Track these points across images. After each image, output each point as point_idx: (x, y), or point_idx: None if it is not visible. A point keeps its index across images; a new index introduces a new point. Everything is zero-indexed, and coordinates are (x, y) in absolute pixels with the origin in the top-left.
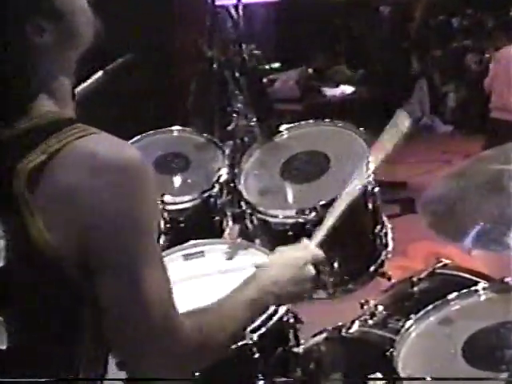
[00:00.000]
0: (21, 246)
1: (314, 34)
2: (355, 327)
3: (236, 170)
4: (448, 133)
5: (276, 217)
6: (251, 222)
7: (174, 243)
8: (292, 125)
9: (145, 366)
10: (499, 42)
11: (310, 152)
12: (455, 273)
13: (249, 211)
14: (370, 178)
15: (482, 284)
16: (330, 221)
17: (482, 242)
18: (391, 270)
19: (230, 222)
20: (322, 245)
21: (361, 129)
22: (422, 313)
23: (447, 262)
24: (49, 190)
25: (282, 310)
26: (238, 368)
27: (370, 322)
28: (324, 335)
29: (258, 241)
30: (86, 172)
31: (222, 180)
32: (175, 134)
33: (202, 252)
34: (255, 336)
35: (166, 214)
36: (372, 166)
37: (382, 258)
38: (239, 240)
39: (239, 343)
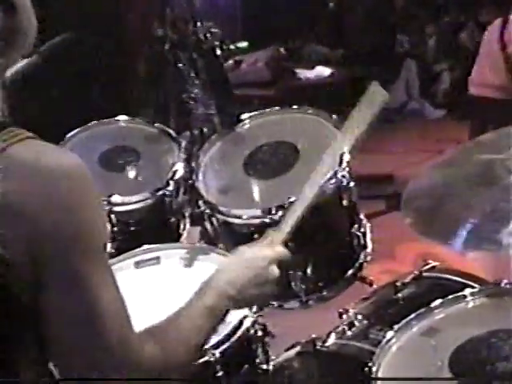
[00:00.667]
0: None
1: (286, 9)
2: (332, 340)
3: (193, 165)
4: (440, 118)
5: (239, 217)
6: (211, 223)
7: (124, 249)
8: (256, 112)
9: None
10: (493, 17)
11: (276, 143)
12: (445, 276)
13: (208, 211)
14: (345, 172)
15: (470, 289)
16: (296, 212)
17: (472, 241)
18: (377, 275)
19: (188, 224)
20: (291, 246)
21: (334, 116)
22: (402, 323)
23: (435, 263)
24: None
25: (249, 321)
26: None
27: (349, 333)
28: (297, 349)
29: (220, 245)
30: (26, 182)
31: (177, 176)
32: (122, 124)
33: (157, 258)
34: (217, 352)
35: (113, 217)
36: (343, 152)
37: (361, 260)
38: (199, 244)
39: (200, 360)
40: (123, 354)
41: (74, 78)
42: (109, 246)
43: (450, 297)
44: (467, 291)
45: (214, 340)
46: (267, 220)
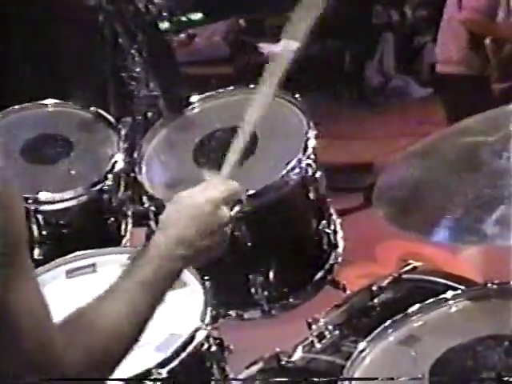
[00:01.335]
0: None
1: None
2: (298, 354)
3: (136, 156)
4: (427, 97)
5: None
6: (157, 222)
7: (54, 255)
8: (208, 94)
9: None
10: None
11: (232, 129)
12: (427, 278)
13: (154, 209)
14: (310, 160)
15: (451, 291)
16: (241, 138)
17: (454, 233)
18: (353, 279)
19: (130, 225)
20: (250, 246)
21: (297, 96)
22: (376, 331)
23: (416, 264)
24: None
25: (201, 335)
26: None
27: (318, 346)
28: (259, 366)
29: None
30: None
31: (116, 169)
32: (50, 109)
33: (93, 265)
34: (165, 372)
35: (40, 217)
36: (308, 138)
37: (331, 262)
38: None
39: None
40: (43, 359)
41: None
42: (36, 252)
43: (430, 301)
44: (449, 294)
45: (160, 357)
46: None
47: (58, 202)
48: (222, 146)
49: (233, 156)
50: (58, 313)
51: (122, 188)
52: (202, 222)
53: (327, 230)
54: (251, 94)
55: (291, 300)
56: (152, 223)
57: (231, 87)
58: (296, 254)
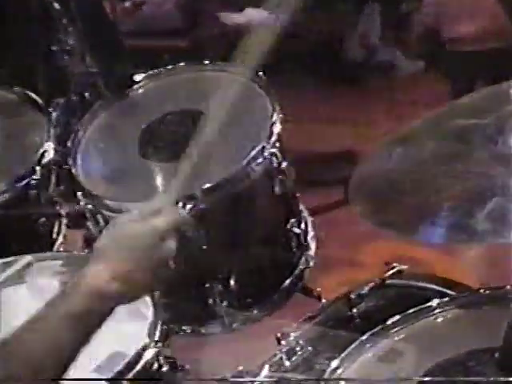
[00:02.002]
0: None
1: None
2: (265, 372)
3: (70, 145)
4: (418, 72)
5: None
6: (97, 223)
7: None
8: (155, 71)
9: None
10: None
11: (183, 112)
12: (415, 283)
13: (92, 207)
14: (275, 148)
15: (437, 299)
16: (190, 160)
17: (440, 231)
18: (332, 286)
19: (64, 226)
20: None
21: (261, 74)
22: (352, 347)
23: (402, 267)
24: None
25: (150, 353)
26: None
27: (288, 363)
28: None
29: None
30: None
31: (46, 160)
32: None
33: (20, 274)
34: None
35: None
36: (274, 122)
37: (301, 266)
38: (80, 253)
39: None
40: None
41: None
42: None
43: (415, 309)
44: (435, 301)
45: (100, 380)
46: None
47: None
48: (173, 133)
49: (186, 166)
50: None
51: (52, 183)
52: (143, 255)
53: (296, 230)
54: (207, 72)
55: (256, 311)
56: (90, 224)
57: (184, 63)
58: (260, 258)
